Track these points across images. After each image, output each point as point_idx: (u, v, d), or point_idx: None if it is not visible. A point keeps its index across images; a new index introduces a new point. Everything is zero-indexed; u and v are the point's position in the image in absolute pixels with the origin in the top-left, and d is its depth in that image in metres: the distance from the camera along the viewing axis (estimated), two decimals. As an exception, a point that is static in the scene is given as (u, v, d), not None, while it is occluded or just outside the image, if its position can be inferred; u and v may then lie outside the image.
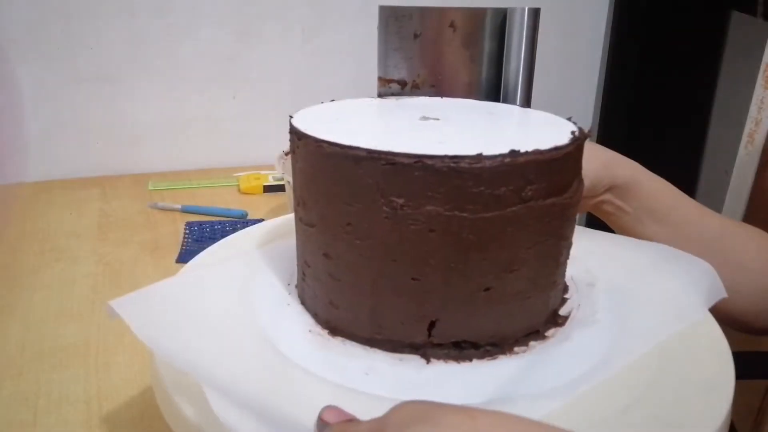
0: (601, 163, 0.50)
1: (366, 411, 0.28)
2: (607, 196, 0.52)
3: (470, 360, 0.36)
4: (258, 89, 1.04)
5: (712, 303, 0.41)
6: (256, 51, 1.02)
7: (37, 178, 0.97)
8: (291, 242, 0.45)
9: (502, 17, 0.47)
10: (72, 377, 0.50)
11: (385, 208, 0.33)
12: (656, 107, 1.16)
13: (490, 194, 0.32)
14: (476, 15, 0.47)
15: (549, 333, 0.38)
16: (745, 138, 0.87)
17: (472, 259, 0.34)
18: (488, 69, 0.48)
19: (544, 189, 0.34)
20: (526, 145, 0.33)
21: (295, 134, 0.38)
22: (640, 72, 1.16)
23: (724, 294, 0.41)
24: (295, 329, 0.39)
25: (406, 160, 0.32)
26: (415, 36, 0.45)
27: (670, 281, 0.43)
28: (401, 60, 0.46)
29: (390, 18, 0.45)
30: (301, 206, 0.39)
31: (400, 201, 0.33)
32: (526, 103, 0.49)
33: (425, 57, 0.47)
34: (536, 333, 0.38)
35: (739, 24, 1.02)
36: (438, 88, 0.48)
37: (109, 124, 0.99)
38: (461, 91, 0.48)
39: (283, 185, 0.88)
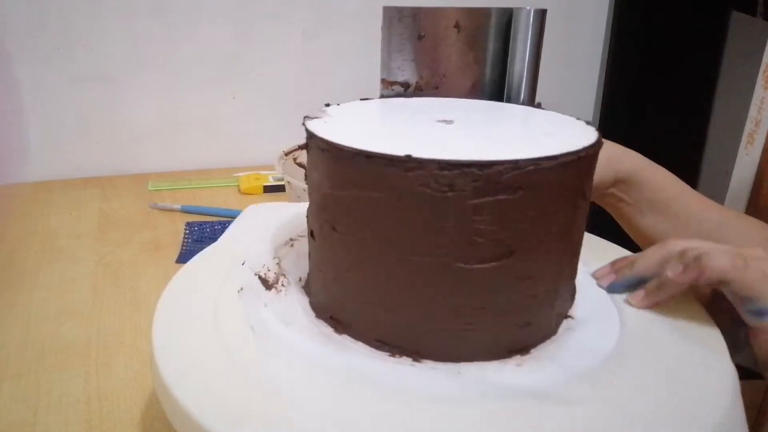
0: (606, 157, 0.51)
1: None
2: (611, 190, 0.53)
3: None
4: (258, 89, 1.04)
5: None
6: (256, 51, 1.02)
7: (37, 178, 0.97)
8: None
9: (507, 18, 0.46)
10: (72, 377, 0.50)
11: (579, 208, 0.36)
12: (656, 107, 1.16)
13: (588, 178, 0.36)
14: (481, 15, 0.46)
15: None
16: (745, 138, 0.87)
17: (575, 241, 0.38)
18: (492, 70, 0.48)
19: None
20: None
21: (457, 168, 0.31)
22: (640, 72, 1.16)
23: None
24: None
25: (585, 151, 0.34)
26: (420, 37, 0.45)
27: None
28: (405, 62, 0.46)
29: (394, 19, 0.44)
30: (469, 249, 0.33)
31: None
32: (530, 104, 0.48)
33: (429, 58, 0.46)
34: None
35: (739, 24, 1.02)
36: (440, 90, 0.47)
37: (109, 124, 0.99)
38: (464, 93, 0.48)
39: (283, 185, 0.88)
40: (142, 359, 0.53)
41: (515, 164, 0.31)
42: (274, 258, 0.46)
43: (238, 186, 0.95)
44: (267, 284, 0.43)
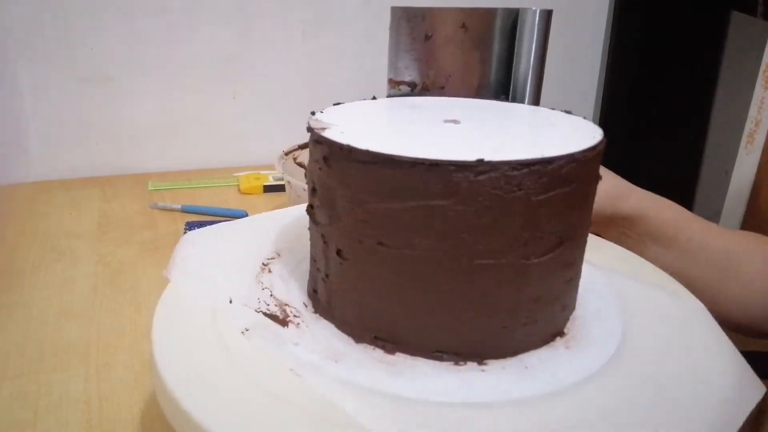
0: (606, 193, 0.51)
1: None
2: (615, 226, 0.52)
3: None
4: (258, 89, 1.04)
5: None
6: (256, 51, 1.02)
7: (37, 178, 0.97)
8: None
9: (513, 18, 0.47)
10: (72, 377, 0.50)
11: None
12: (656, 107, 1.16)
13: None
14: (487, 15, 0.46)
15: None
16: (745, 138, 0.87)
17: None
18: (497, 70, 0.48)
19: None
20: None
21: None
22: (640, 72, 1.16)
23: None
24: None
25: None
26: (427, 37, 0.45)
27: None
28: (412, 61, 0.46)
29: (402, 19, 0.44)
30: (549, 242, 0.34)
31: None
32: (535, 104, 0.48)
33: (436, 58, 0.46)
34: None
35: (739, 24, 1.02)
36: (446, 90, 0.47)
37: (109, 124, 0.99)
38: (470, 93, 0.48)
39: (283, 185, 0.88)
40: (142, 359, 0.53)
41: (572, 158, 0.33)
42: (263, 289, 0.42)
43: (238, 186, 0.95)
44: (279, 320, 0.39)
